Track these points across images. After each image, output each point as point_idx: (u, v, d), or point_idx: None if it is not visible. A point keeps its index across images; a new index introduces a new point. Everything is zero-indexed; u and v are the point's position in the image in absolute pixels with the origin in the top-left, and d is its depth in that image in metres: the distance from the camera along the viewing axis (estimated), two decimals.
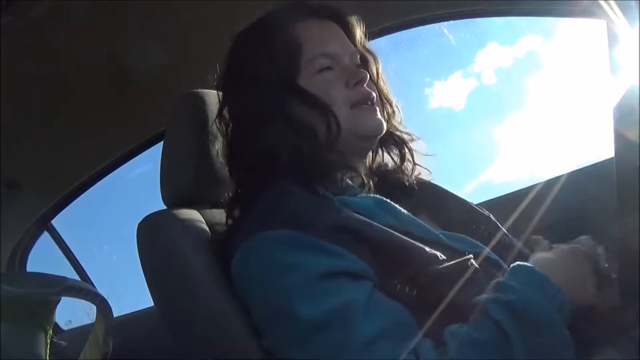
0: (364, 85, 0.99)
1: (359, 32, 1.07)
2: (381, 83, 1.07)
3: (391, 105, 1.08)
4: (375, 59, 1.08)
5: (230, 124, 1.03)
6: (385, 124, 1.02)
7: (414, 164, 1.09)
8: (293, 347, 0.80)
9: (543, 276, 0.80)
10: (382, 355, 0.74)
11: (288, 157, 0.92)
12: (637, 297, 0.73)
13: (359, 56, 1.04)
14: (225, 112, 1.04)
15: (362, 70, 1.01)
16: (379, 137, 1.02)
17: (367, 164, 1.07)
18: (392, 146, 1.10)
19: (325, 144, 0.95)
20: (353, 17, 1.06)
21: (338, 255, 0.81)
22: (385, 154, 1.11)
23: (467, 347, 0.74)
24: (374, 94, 1.01)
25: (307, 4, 1.03)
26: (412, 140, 1.10)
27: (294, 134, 0.94)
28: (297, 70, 0.97)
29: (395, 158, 1.10)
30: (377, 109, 1.01)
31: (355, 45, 1.05)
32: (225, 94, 1.05)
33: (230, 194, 1.02)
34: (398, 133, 1.09)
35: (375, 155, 1.10)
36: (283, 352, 0.83)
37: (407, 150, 1.09)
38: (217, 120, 1.05)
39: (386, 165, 1.10)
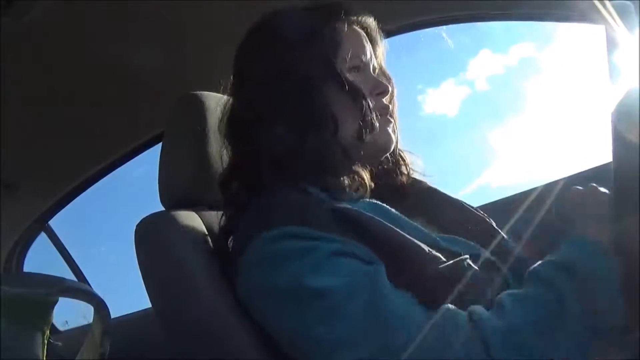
0: (384, 99, 1.01)
1: (380, 53, 1.08)
2: (393, 105, 1.07)
3: (396, 127, 1.08)
4: (390, 82, 1.08)
5: (249, 101, 1.01)
6: (395, 142, 1.03)
7: (409, 176, 1.10)
8: (321, 322, 0.77)
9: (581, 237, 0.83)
10: (422, 318, 0.74)
11: (305, 149, 0.92)
12: (637, 301, 0.73)
13: (379, 74, 1.05)
14: (243, 88, 1.03)
15: (386, 83, 1.02)
16: (388, 151, 1.03)
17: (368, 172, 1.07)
18: (391, 164, 1.10)
19: (344, 141, 0.95)
20: (379, 36, 1.07)
21: (345, 242, 0.81)
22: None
23: (520, 304, 0.76)
24: (391, 108, 1.02)
25: (346, 9, 1.04)
26: (412, 162, 1.11)
27: (321, 124, 0.93)
28: (335, 62, 0.97)
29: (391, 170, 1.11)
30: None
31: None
32: (250, 69, 1.02)
33: (227, 170, 1.02)
34: (399, 151, 1.10)
35: (375, 169, 1.10)
36: (298, 331, 0.79)
37: (405, 167, 1.10)
38: (233, 83, 1.04)
39: (381, 172, 1.10)
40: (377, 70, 1.05)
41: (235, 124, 1.02)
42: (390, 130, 1.01)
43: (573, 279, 0.76)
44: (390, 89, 1.02)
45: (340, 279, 0.77)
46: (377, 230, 0.84)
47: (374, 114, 0.96)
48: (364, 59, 1.01)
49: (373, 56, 1.05)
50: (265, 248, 0.84)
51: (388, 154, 1.06)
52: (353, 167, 0.96)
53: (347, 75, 0.97)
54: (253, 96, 1.00)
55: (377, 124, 0.97)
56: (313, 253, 0.79)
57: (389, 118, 1.02)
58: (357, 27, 1.04)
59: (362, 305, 0.75)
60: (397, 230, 0.86)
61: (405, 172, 1.10)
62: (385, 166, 1.09)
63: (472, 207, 1.10)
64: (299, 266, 0.79)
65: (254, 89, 1.00)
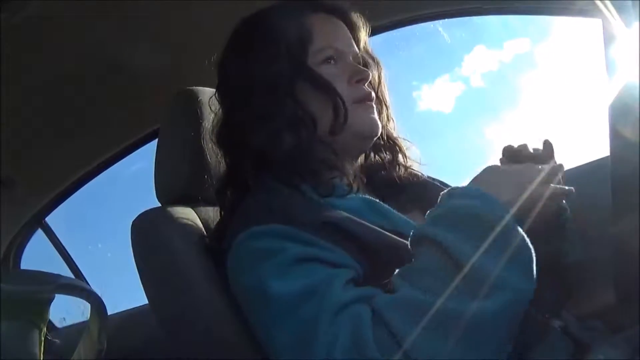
0: (365, 85, 0.99)
1: (363, 36, 1.07)
2: (381, 88, 1.07)
3: (388, 112, 1.08)
4: (377, 64, 1.08)
5: (230, 108, 1.02)
6: (381, 127, 1.02)
7: (406, 168, 1.09)
8: (269, 324, 0.80)
9: (473, 189, 0.78)
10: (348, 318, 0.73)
11: (286, 149, 0.92)
12: (635, 298, 0.73)
13: (360, 59, 1.04)
14: (224, 96, 1.04)
15: (365, 69, 1.01)
16: (374, 138, 1.02)
17: (358, 164, 1.06)
18: (386, 151, 1.09)
19: (324, 137, 0.95)
20: (360, 19, 1.06)
21: (324, 248, 0.81)
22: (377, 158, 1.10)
23: (406, 273, 0.74)
24: (373, 94, 1.01)
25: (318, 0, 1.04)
26: (407, 148, 1.10)
27: (296, 123, 0.94)
28: (305, 57, 0.97)
29: (387, 160, 1.10)
30: (376, 109, 1.01)
31: (358, 47, 1.05)
32: (226, 77, 1.03)
33: (222, 178, 1.02)
34: (392, 139, 1.09)
35: (367, 158, 1.09)
36: (262, 331, 0.83)
37: (401, 154, 1.09)
38: (216, 95, 1.05)
39: (377, 163, 1.10)
40: (358, 55, 1.04)
41: (221, 131, 1.02)
42: (372, 115, 1.00)
43: (455, 227, 0.73)
44: (370, 74, 1.01)
45: (297, 282, 0.78)
46: (363, 232, 0.84)
47: (347, 105, 0.95)
48: (338, 48, 1.00)
49: (352, 42, 1.03)
50: (245, 246, 0.85)
51: (382, 141, 1.06)
52: (340, 162, 0.96)
53: (320, 68, 0.97)
54: (233, 103, 1.01)
55: (352, 115, 0.95)
56: (279, 256, 0.80)
57: (369, 104, 1.00)
58: (331, 16, 1.03)
59: (311, 310, 0.75)
60: (383, 231, 0.86)
61: (403, 164, 1.09)
62: (382, 159, 1.09)
63: None
64: (264, 268, 0.81)
65: (233, 96, 1.01)
